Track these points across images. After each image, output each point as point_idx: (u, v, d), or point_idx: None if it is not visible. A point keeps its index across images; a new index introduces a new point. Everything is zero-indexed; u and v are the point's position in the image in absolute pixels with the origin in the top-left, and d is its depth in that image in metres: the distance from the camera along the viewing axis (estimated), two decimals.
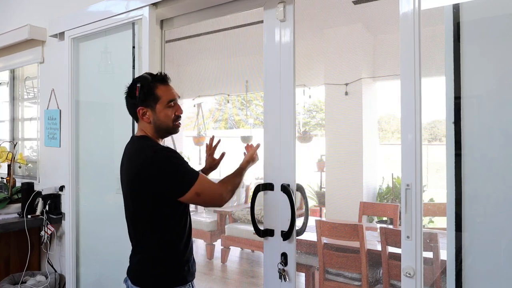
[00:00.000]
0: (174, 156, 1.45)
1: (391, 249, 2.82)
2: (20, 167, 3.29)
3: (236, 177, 1.59)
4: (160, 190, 1.43)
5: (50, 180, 2.91)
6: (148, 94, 1.49)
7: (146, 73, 1.58)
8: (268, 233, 1.71)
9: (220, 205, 1.55)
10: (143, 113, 1.51)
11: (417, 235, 1.31)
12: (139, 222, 1.53)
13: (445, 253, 1.36)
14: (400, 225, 1.64)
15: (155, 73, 1.56)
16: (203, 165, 1.92)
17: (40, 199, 2.76)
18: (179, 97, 1.57)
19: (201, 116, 6.37)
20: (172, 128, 1.56)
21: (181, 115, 1.57)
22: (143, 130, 1.54)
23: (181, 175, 1.43)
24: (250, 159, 1.71)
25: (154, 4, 2.04)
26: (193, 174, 1.45)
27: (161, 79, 1.54)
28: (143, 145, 1.49)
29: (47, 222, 2.72)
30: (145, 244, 1.52)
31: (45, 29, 2.90)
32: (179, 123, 1.58)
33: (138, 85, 1.50)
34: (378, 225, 3.76)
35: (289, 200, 1.64)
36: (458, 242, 1.31)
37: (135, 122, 1.73)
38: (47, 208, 2.74)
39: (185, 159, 1.52)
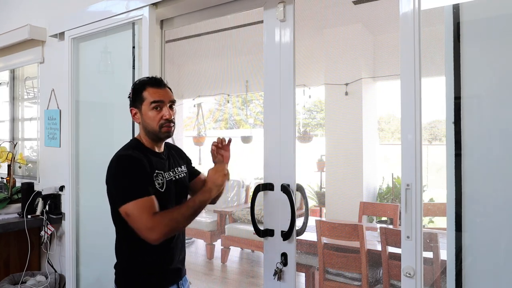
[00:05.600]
0: (128, 167, 1.37)
1: (391, 249, 2.82)
2: (20, 167, 3.29)
3: (186, 214, 1.35)
4: (108, 195, 1.44)
5: (50, 180, 2.91)
6: (136, 96, 1.51)
7: (145, 76, 1.59)
8: (268, 233, 1.71)
9: (148, 240, 1.30)
10: (134, 114, 1.54)
11: (417, 235, 1.31)
12: (114, 224, 1.52)
13: (445, 253, 1.36)
14: (400, 225, 1.64)
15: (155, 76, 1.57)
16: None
17: (40, 199, 2.76)
18: (172, 101, 1.49)
19: (201, 116, 6.37)
20: (159, 132, 1.46)
21: (172, 119, 1.47)
22: (139, 132, 1.56)
23: (122, 188, 1.36)
24: (220, 182, 1.42)
25: (154, 4, 2.04)
26: (135, 192, 1.32)
27: (153, 81, 1.50)
28: (123, 146, 1.53)
29: (47, 222, 2.72)
30: (116, 248, 1.54)
31: (45, 29, 2.90)
32: (169, 127, 1.47)
33: (132, 87, 1.54)
34: (378, 225, 3.76)
35: (289, 200, 1.64)
36: (458, 242, 1.31)
37: (135, 122, 1.75)
38: (47, 208, 2.74)
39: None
